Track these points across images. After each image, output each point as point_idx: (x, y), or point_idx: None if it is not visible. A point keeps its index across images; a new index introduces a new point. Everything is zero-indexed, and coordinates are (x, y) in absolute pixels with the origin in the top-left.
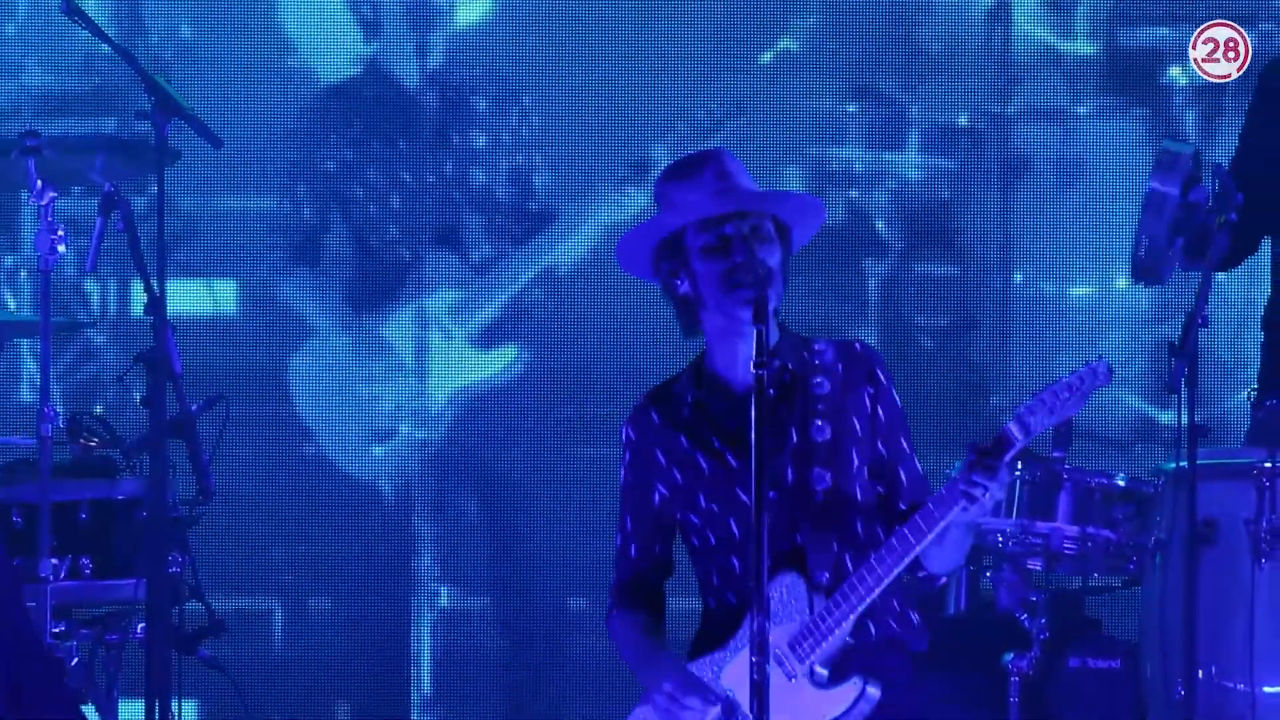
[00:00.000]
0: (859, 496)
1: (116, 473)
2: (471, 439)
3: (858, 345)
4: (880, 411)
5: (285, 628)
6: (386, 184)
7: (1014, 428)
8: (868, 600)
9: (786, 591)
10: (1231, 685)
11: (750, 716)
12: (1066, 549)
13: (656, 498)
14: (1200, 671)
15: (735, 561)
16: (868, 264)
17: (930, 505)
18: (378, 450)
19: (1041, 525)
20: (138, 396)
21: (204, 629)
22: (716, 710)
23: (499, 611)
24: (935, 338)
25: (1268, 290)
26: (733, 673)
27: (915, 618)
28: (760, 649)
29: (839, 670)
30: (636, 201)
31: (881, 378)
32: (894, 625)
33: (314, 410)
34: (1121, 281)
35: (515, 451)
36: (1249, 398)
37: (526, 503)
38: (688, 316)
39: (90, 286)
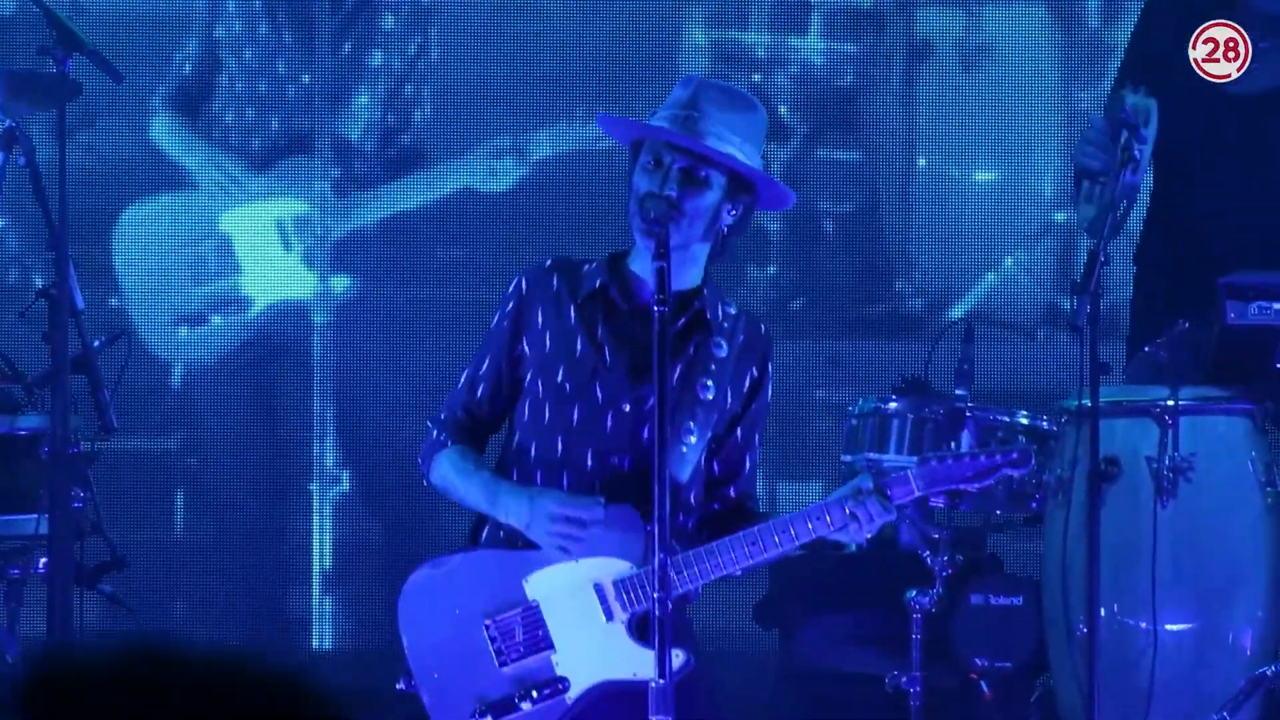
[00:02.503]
0: (701, 463)
1: (18, 408)
2: (340, 334)
3: (762, 327)
4: (756, 399)
5: (186, 515)
6: (258, 69)
7: (913, 479)
8: (711, 578)
9: (620, 525)
10: (1133, 623)
11: (549, 633)
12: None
13: (517, 350)
14: (1102, 609)
15: (559, 445)
16: (770, 149)
17: (806, 515)
18: (183, 332)
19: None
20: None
21: (105, 564)
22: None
23: (396, 496)
24: (838, 223)
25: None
26: (543, 582)
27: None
28: (662, 584)
29: (646, 629)
30: (512, 173)
31: (769, 369)
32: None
33: (131, 273)
34: (1024, 167)
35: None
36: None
37: (411, 397)
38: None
39: None
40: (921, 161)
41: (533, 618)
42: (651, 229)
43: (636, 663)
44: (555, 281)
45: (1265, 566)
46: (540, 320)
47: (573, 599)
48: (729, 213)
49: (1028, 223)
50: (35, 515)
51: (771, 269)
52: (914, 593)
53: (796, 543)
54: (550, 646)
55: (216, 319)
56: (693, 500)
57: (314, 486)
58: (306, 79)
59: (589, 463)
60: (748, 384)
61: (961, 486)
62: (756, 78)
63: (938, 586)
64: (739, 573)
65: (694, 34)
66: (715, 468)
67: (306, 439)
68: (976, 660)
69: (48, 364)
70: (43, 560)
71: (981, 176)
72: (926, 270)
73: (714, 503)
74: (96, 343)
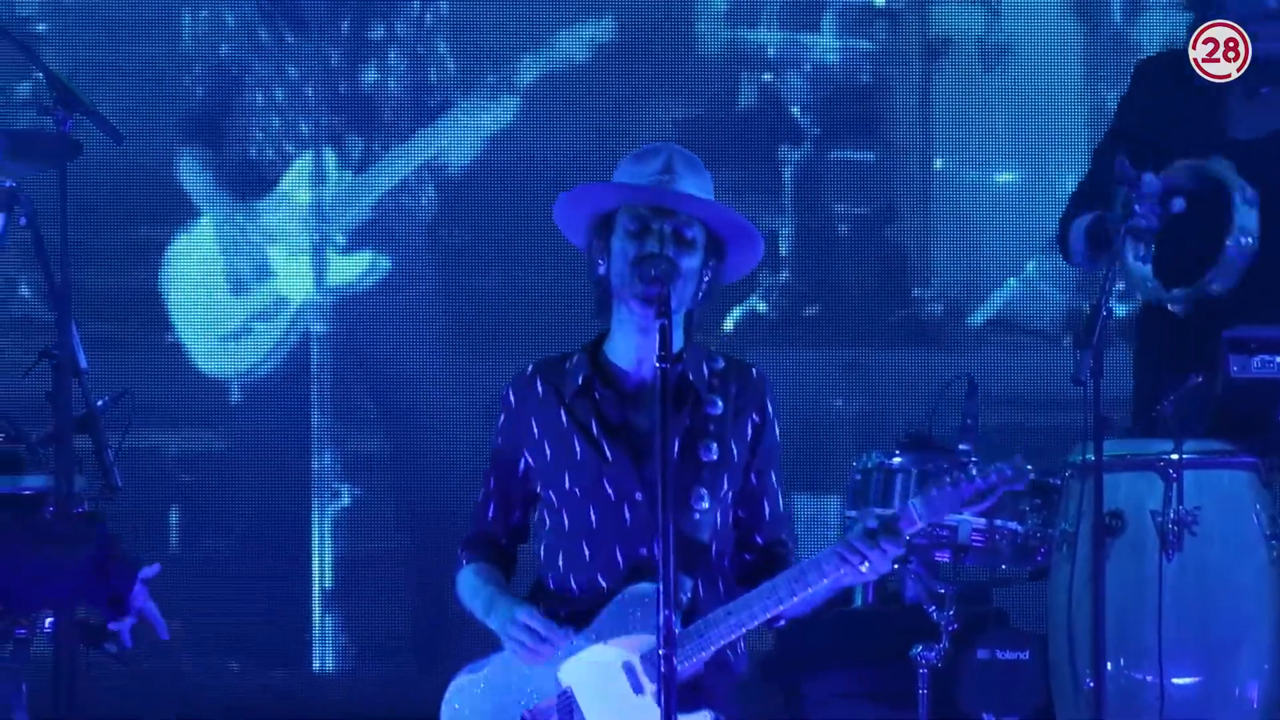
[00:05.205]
0: (721, 523)
1: (22, 468)
2: (340, 342)
3: (754, 371)
4: (762, 443)
5: (182, 532)
6: (271, 75)
7: (914, 510)
8: (732, 637)
9: (648, 604)
10: (1140, 676)
11: (584, 716)
12: (974, 541)
13: (522, 465)
14: (1109, 663)
15: (586, 549)
16: (783, 151)
17: (819, 561)
18: (231, 346)
19: (949, 517)
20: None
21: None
22: (564, 648)
23: (400, 512)
24: (853, 226)
25: None
26: (575, 668)
27: (741, 646)
28: (668, 641)
29: (681, 695)
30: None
31: (770, 410)
32: (727, 652)
33: (180, 300)
34: (1046, 168)
35: (393, 355)
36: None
37: (414, 404)
38: (601, 299)
39: None
40: (939, 163)
41: (566, 704)
42: (650, 290)
43: None
44: (540, 387)
45: (1271, 619)
46: (536, 430)
47: (605, 680)
48: (705, 278)
49: (1050, 225)
50: None
51: (784, 275)
52: (920, 648)
53: (810, 589)
54: None
55: (258, 326)
56: (725, 562)
57: (314, 501)
58: (318, 70)
59: (619, 560)
60: (750, 432)
61: (965, 511)
62: (768, 77)
63: (944, 641)
64: (782, 623)
65: (705, 32)
66: (740, 521)
67: (306, 450)
68: (983, 715)
69: (51, 423)
70: (49, 619)
71: (1002, 178)
72: (946, 275)
73: (745, 553)
74: (100, 402)
